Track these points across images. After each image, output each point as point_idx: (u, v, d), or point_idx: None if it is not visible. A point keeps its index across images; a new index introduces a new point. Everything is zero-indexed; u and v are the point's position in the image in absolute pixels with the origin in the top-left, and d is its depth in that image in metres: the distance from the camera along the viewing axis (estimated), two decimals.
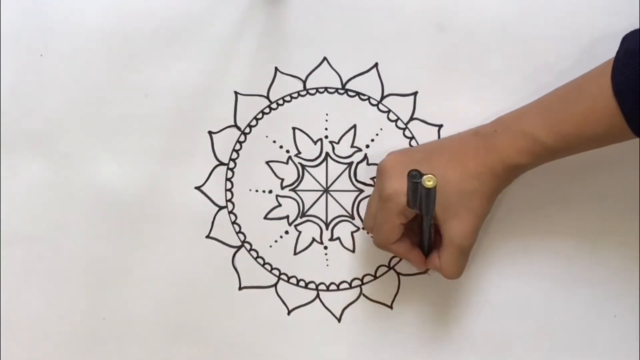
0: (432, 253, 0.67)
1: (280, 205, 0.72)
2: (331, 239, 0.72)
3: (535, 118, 0.62)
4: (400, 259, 0.71)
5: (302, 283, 0.72)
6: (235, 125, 0.72)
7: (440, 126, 0.71)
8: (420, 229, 0.65)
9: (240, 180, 0.72)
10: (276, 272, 0.72)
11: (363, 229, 0.71)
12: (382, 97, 0.71)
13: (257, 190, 0.72)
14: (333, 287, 0.72)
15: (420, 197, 0.58)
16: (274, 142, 0.72)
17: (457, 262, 0.65)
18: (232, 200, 0.72)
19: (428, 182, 0.56)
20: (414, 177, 0.56)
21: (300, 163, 0.72)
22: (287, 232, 0.72)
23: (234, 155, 0.72)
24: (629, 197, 0.70)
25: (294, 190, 0.72)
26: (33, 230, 0.72)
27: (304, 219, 0.72)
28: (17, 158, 0.72)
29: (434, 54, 0.71)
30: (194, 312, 0.72)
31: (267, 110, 0.72)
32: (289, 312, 0.72)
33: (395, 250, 0.66)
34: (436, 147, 0.66)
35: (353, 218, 0.72)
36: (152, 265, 0.72)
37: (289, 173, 0.72)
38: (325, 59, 0.71)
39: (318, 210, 0.72)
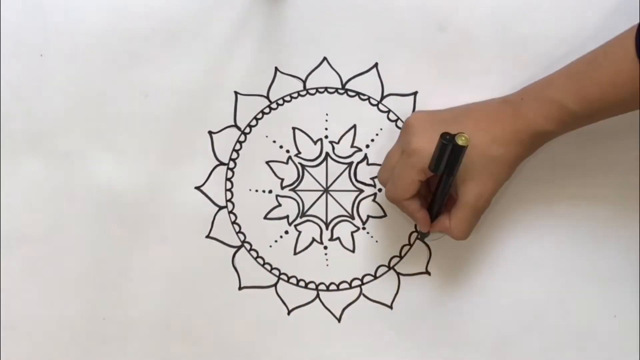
0: (439, 217, 0.67)
1: (280, 205, 0.72)
2: (331, 239, 0.72)
3: (561, 85, 0.62)
4: (400, 259, 0.71)
5: (302, 283, 0.72)
6: (235, 125, 0.72)
7: None
8: (434, 191, 0.65)
9: (240, 180, 0.72)
10: (276, 272, 0.72)
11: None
12: (382, 97, 0.71)
13: (257, 190, 0.72)
14: (333, 287, 0.72)
15: (447, 158, 0.58)
16: (274, 142, 0.72)
17: (469, 223, 0.65)
18: (232, 200, 0.72)
19: (461, 140, 0.57)
20: (447, 139, 0.57)
21: (300, 163, 0.72)
22: (287, 232, 0.72)
23: (234, 155, 0.72)
24: (628, 198, 0.70)
25: (294, 190, 0.72)
26: (33, 230, 0.72)
27: (304, 219, 0.72)
28: (17, 158, 0.72)
29: (434, 54, 0.70)
30: (194, 312, 0.72)
31: (267, 110, 0.72)
32: (289, 312, 0.72)
33: (407, 207, 0.66)
34: (464, 111, 0.66)
35: (353, 218, 0.72)
36: (152, 265, 0.72)
37: (289, 173, 0.72)
38: (325, 59, 0.71)
39: (318, 210, 0.72)
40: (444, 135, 0.58)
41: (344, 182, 0.72)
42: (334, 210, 0.72)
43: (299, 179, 0.72)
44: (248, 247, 0.72)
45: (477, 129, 0.62)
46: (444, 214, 0.66)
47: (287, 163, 0.72)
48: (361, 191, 0.72)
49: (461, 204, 0.64)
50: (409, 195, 0.65)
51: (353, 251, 0.72)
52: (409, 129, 0.65)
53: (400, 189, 0.65)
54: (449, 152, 0.58)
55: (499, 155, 0.62)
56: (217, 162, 0.72)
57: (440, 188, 0.64)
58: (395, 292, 0.72)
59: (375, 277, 0.72)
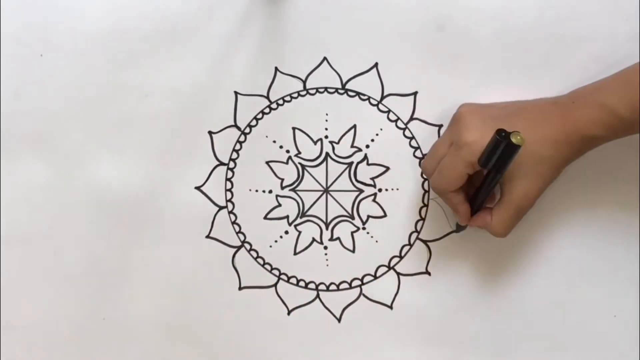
0: (480, 212, 0.66)
1: (280, 205, 0.72)
2: (331, 239, 0.72)
3: (612, 90, 0.62)
4: (400, 259, 0.71)
5: (302, 283, 0.72)
6: (235, 125, 0.72)
7: (440, 126, 0.71)
8: (479, 186, 0.65)
9: (240, 180, 0.72)
10: (276, 272, 0.72)
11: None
12: (382, 97, 0.71)
13: (257, 190, 0.72)
14: (333, 287, 0.72)
15: (499, 155, 0.58)
16: (274, 142, 0.72)
17: (511, 221, 0.65)
18: (232, 200, 0.72)
19: (516, 139, 0.57)
20: (502, 136, 0.57)
21: (300, 163, 0.72)
22: (287, 232, 0.72)
23: (234, 155, 0.72)
24: (629, 198, 0.70)
25: (294, 190, 0.72)
26: (33, 230, 0.72)
27: (304, 219, 0.72)
28: (17, 158, 0.72)
29: (434, 54, 0.70)
30: (194, 312, 0.72)
31: (267, 110, 0.72)
32: (289, 312, 0.72)
33: (451, 199, 0.66)
34: (514, 109, 0.66)
35: (353, 218, 0.72)
36: (152, 265, 0.72)
37: (289, 173, 0.72)
38: (325, 59, 0.71)
39: (318, 210, 0.72)
40: (499, 132, 0.58)
41: (344, 182, 0.72)
42: (334, 210, 0.72)
43: (299, 179, 0.72)
44: (248, 247, 0.72)
45: (528, 128, 0.62)
46: (485, 210, 0.66)
47: (287, 163, 0.72)
48: (361, 191, 0.72)
49: (506, 201, 0.64)
50: (456, 187, 0.65)
51: (353, 251, 0.72)
52: (460, 121, 0.65)
53: (448, 181, 0.65)
54: (502, 149, 0.58)
55: (549, 156, 0.63)
56: (217, 162, 0.72)
57: (487, 184, 0.64)
58: (395, 292, 0.72)
59: (375, 277, 0.72)
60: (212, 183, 0.72)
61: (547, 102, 0.66)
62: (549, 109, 0.65)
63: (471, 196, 0.67)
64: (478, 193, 0.66)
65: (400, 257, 0.72)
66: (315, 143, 0.72)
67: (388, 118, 0.71)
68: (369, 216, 0.72)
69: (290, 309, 0.72)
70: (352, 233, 0.72)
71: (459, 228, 0.71)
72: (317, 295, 0.72)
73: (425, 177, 0.71)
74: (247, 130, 0.72)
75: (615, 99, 0.61)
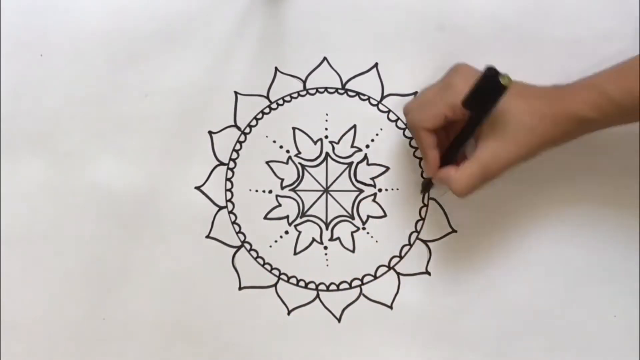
0: (447, 166, 0.64)
1: (280, 205, 0.72)
2: (331, 239, 0.72)
3: (607, 75, 0.63)
4: (400, 259, 0.71)
5: (302, 283, 0.72)
6: (235, 125, 0.72)
7: None
8: (457, 138, 0.63)
9: (240, 180, 0.72)
10: (276, 272, 0.72)
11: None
12: (382, 97, 0.71)
13: (257, 190, 0.72)
14: (333, 287, 0.72)
15: (483, 96, 0.57)
16: (274, 142, 0.72)
17: (474, 179, 0.62)
18: (232, 200, 0.72)
19: (504, 79, 0.56)
20: (490, 71, 0.56)
21: (300, 163, 0.72)
22: (287, 232, 0.72)
23: (234, 155, 0.72)
24: (628, 198, 0.70)
25: (294, 190, 0.72)
26: (33, 230, 0.72)
27: (304, 219, 0.72)
28: (17, 158, 0.72)
29: (434, 54, 0.71)
30: (194, 312, 0.72)
31: (267, 110, 0.72)
32: (289, 312, 0.72)
33: (423, 138, 0.64)
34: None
35: (353, 218, 0.72)
36: (152, 265, 0.72)
37: (289, 173, 0.72)
38: (325, 59, 0.71)
39: (318, 210, 0.72)
40: (489, 68, 0.57)
41: (344, 182, 0.72)
42: (334, 210, 0.72)
43: (299, 179, 0.72)
44: (248, 247, 0.72)
45: (517, 98, 0.61)
46: (453, 165, 0.64)
47: (287, 163, 0.72)
48: (361, 191, 0.72)
49: (474, 158, 0.63)
50: (431, 125, 0.64)
51: (353, 251, 0.72)
52: (455, 70, 0.65)
53: (424, 117, 0.64)
54: (488, 89, 0.57)
55: (531, 125, 0.62)
56: (217, 162, 0.72)
57: (463, 129, 0.62)
58: (395, 292, 0.72)
59: (375, 277, 0.72)
60: (212, 183, 0.72)
61: (548, 86, 0.65)
62: (546, 89, 0.64)
63: (445, 150, 0.65)
64: (453, 142, 0.64)
65: (400, 257, 0.72)
66: (315, 143, 0.72)
67: (388, 118, 0.71)
68: (369, 216, 0.72)
69: (290, 309, 0.72)
70: (352, 233, 0.72)
71: (425, 187, 0.70)
72: (317, 295, 0.72)
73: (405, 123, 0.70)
74: (247, 130, 0.72)
75: (608, 82, 0.61)
